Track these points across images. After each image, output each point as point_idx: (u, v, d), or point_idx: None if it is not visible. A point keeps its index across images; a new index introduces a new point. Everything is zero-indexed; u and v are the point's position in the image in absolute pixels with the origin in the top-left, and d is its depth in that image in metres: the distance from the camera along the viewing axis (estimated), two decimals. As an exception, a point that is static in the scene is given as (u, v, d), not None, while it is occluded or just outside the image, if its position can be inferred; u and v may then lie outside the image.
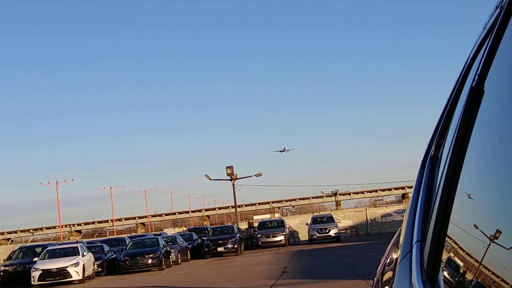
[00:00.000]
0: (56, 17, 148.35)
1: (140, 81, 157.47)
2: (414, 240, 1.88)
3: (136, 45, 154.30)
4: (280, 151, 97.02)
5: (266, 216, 69.44)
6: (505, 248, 1.14)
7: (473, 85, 1.55)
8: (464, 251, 1.43)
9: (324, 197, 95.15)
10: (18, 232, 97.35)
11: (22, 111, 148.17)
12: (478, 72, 1.54)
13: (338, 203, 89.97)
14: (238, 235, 40.89)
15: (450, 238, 1.56)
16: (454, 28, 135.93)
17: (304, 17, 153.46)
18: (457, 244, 1.50)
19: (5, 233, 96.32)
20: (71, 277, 28.73)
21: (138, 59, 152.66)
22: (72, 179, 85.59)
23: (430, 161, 2.18)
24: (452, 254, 1.53)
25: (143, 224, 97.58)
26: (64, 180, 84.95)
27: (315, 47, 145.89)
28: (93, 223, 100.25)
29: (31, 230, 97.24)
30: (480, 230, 1.30)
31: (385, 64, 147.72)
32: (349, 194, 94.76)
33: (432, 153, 2.20)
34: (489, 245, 1.21)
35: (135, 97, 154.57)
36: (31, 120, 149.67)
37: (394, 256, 2.15)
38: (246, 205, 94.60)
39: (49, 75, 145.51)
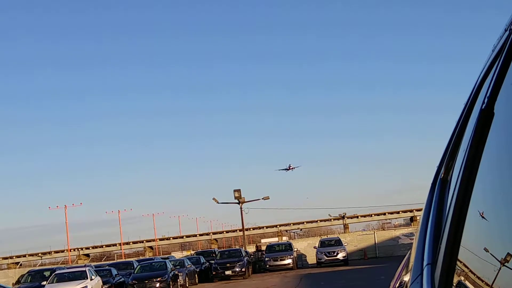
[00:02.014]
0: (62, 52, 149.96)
1: (148, 110, 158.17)
2: (425, 263, 1.87)
3: (142, 75, 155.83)
4: (286, 169, 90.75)
5: (274, 239, 69.27)
6: None
7: (483, 107, 1.55)
8: (475, 274, 1.42)
9: (332, 220, 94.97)
10: (27, 256, 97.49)
11: (31, 137, 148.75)
12: (487, 95, 1.54)
13: (346, 226, 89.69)
14: (246, 258, 40.69)
15: (461, 262, 1.55)
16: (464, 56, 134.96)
17: (310, 50, 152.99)
18: (468, 268, 1.49)
19: (14, 257, 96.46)
20: (79, 300, 28.71)
21: (146, 89, 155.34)
22: (81, 203, 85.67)
23: (439, 184, 2.18)
24: (463, 278, 1.52)
25: (151, 247, 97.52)
26: (73, 204, 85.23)
27: (322, 76, 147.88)
28: (101, 246, 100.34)
29: (39, 254, 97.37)
30: (491, 254, 1.29)
31: (393, 92, 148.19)
32: (357, 217, 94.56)
33: (442, 175, 2.20)
34: (500, 268, 1.20)
35: (142, 124, 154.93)
36: (40, 145, 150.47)
37: (405, 279, 2.14)
38: (253, 228, 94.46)
39: (59, 105, 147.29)
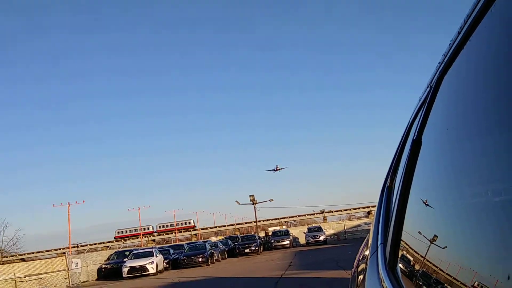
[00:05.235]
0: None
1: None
2: (379, 242, 1.85)
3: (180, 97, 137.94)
4: (273, 170, 73.59)
5: (277, 228, 68.63)
6: (440, 247, 1.14)
7: (414, 138, 1.55)
8: (413, 250, 1.41)
9: (315, 214, 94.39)
10: (114, 241, 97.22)
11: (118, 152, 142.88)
12: (417, 129, 1.55)
13: (324, 218, 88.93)
14: (258, 241, 40.44)
15: (403, 241, 1.54)
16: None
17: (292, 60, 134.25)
18: (408, 245, 1.48)
19: (105, 243, 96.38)
20: (149, 271, 28.64)
21: (186, 112, 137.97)
22: (149, 206, 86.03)
23: (387, 190, 2.17)
24: (405, 252, 1.50)
25: (195, 234, 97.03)
26: (144, 206, 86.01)
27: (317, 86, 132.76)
28: (163, 234, 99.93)
29: (122, 240, 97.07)
30: (423, 235, 1.29)
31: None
32: (332, 212, 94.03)
33: (388, 184, 2.19)
34: (430, 245, 1.21)
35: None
36: (124, 160, 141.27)
37: (366, 253, 2.12)
38: (263, 220, 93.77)
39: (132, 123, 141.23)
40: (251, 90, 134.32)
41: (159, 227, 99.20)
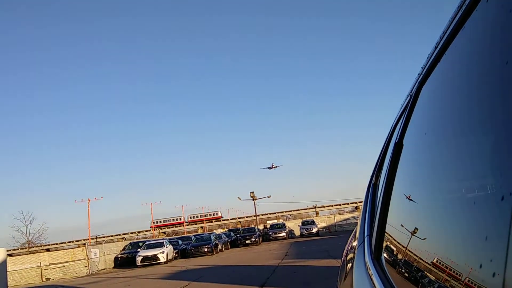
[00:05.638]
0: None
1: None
2: (365, 234, 1.85)
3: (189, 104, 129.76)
4: (269, 167, 69.44)
5: (274, 221, 68.51)
6: (420, 238, 1.14)
7: (396, 141, 1.56)
8: (396, 241, 1.41)
9: (308, 209, 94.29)
10: (129, 233, 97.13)
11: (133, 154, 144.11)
12: (399, 133, 1.56)
13: (317, 212, 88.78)
14: (258, 233, 40.30)
15: (387, 233, 1.54)
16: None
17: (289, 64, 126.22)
18: (392, 237, 1.48)
19: (121, 234, 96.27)
20: (160, 260, 28.56)
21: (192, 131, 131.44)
22: (160, 201, 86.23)
23: (372, 187, 2.17)
24: (389, 243, 1.50)
25: (201, 227, 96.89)
26: (155, 202, 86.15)
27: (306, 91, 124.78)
28: (172, 227, 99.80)
29: (136, 232, 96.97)
30: (405, 228, 1.29)
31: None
32: (323, 207, 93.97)
33: (373, 181, 2.19)
34: (411, 237, 1.21)
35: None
36: (138, 161, 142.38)
37: (354, 244, 2.11)
38: (262, 215, 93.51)
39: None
40: (251, 97, 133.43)
41: (190, 217, 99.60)
